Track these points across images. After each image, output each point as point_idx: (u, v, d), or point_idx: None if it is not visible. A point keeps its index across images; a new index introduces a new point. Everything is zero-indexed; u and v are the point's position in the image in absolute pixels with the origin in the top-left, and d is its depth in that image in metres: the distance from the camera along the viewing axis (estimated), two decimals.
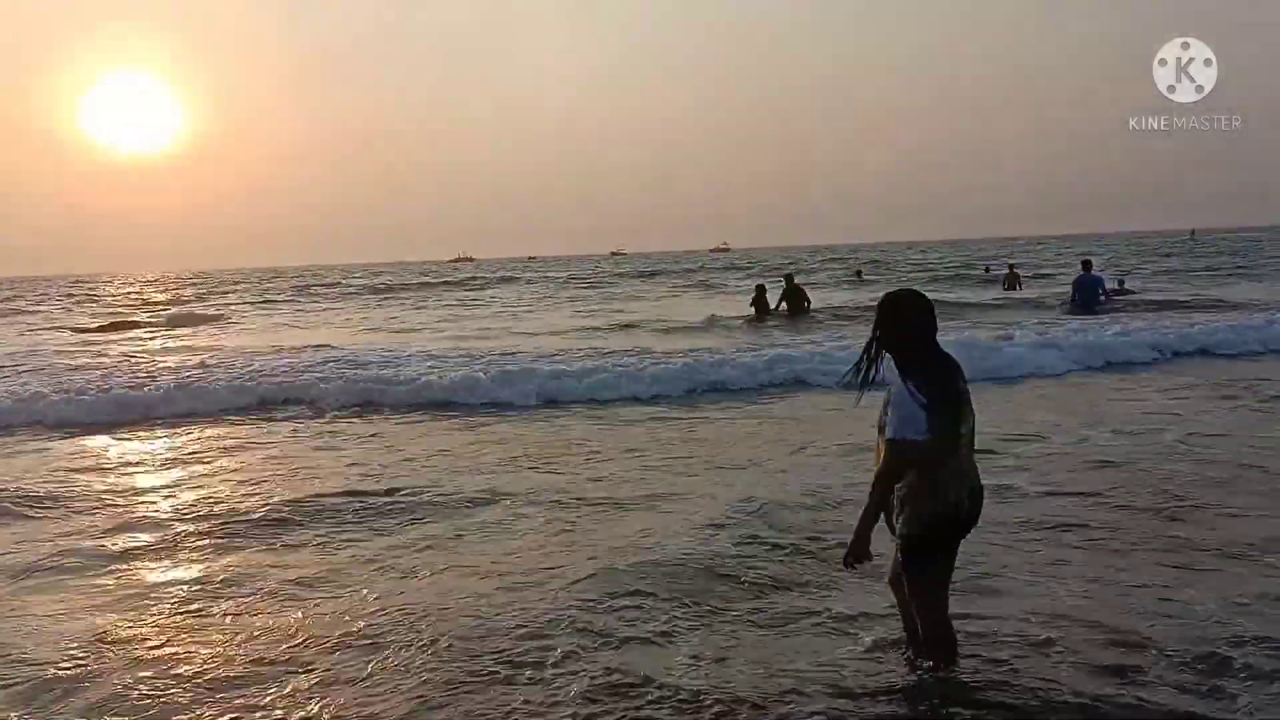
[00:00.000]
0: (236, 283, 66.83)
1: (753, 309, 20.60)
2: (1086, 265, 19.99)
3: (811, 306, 20.70)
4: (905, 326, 3.31)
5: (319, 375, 12.03)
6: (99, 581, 4.81)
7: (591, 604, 4.18)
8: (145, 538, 5.56)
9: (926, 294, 3.41)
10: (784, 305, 20.40)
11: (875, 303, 3.47)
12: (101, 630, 4.14)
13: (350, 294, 43.85)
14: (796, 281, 21.56)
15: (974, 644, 3.57)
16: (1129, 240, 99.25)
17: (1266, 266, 36.19)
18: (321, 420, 9.90)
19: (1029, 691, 3.27)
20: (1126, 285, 24.99)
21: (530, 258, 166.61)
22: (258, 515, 5.92)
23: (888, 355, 3.35)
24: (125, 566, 5.06)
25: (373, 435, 8.95)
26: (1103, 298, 19.07)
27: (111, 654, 3.89)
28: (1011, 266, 30.26)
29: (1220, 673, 3.38)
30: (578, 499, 6.05)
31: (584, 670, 3.54)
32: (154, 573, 4.98)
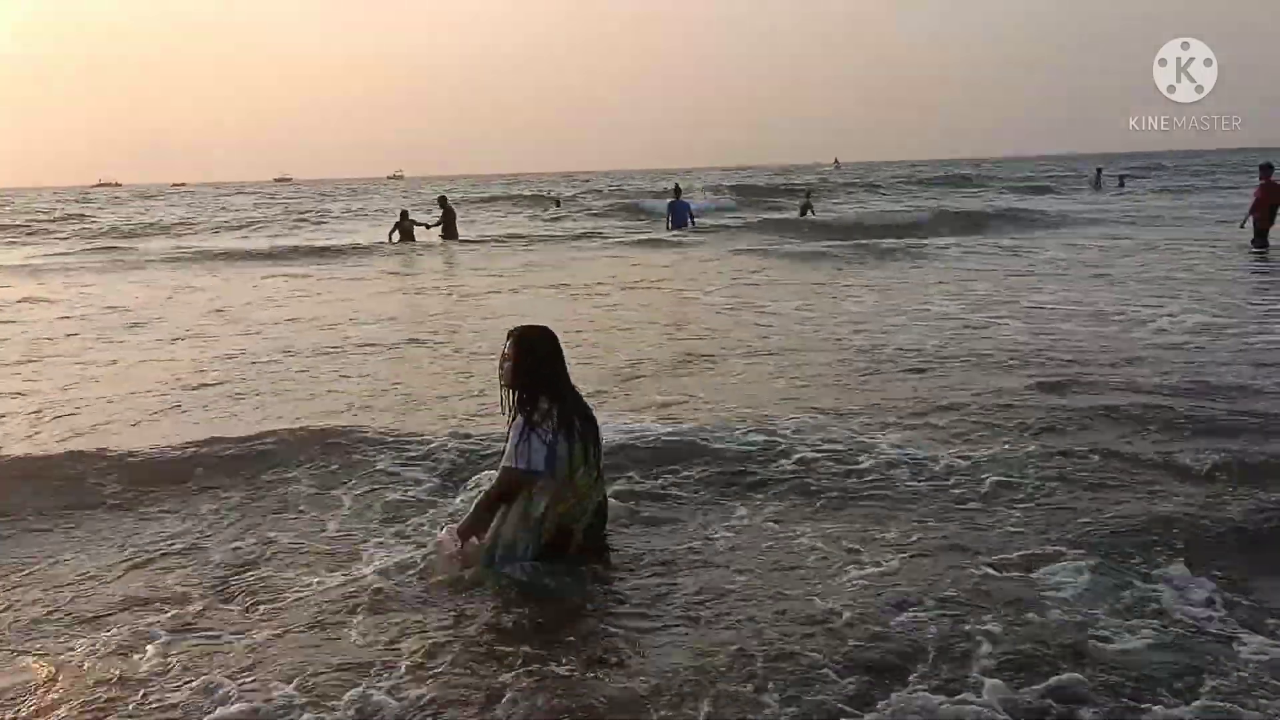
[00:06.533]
0: None
1: (395, 234, 21.71)
2: (677, 191, 23.69)
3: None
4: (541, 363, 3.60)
5: None
6: None
7: None
8: None
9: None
10: (439, 227, 21.65)
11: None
12: None
13: None
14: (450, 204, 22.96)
15: None
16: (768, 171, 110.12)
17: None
18: None
19: None
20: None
21: (175, 185, 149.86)
22: None
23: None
24: None
25: None
26: (690, 220, 22.78)
27: None
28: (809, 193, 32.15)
29: None
30: None
31: None
32: None
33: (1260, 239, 15.31)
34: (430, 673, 2.92)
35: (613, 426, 5.14)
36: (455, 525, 3.76)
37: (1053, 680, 2.75)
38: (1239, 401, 5.78)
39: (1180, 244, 16.99)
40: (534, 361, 3.58)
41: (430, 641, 3.11)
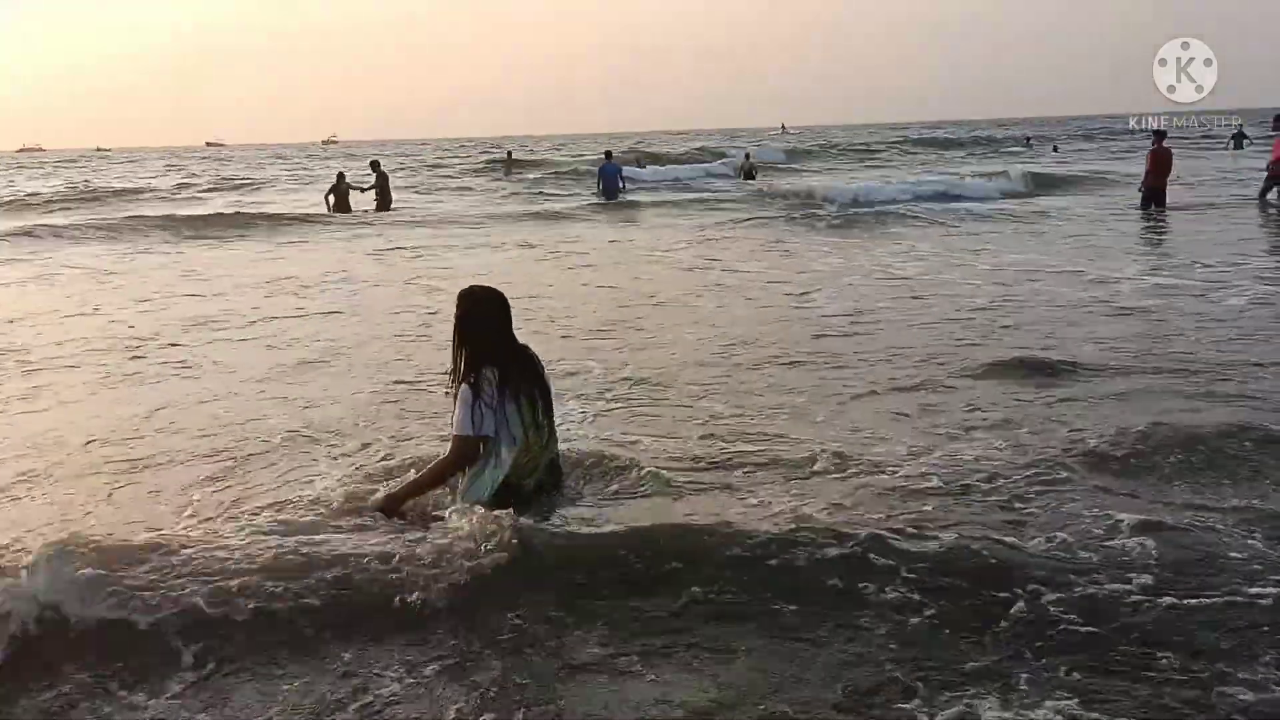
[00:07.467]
0: None
1: (331, 197, 21.12)
2: (608, 155, 23.80)
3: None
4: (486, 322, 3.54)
5: None
6: None
7: None
8: None
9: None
10: (375, 191, 21.12)
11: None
12: None
13: None
14: (383, 169, 22.28)
15: None
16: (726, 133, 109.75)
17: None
18: None
19: None
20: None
21: (98, 149, 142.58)
22: None
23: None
24: None
25: None
26: (621, 184, 22.77)
27: None
28: (749, 156, 31.80)
29: None
30: None
31: None
32: None
33: (1157, 200, 15.15)
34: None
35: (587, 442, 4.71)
36: (380, 499, 3.63)
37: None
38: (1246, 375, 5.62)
39: (1111, 206, 17.05)
40: (476, 322, 3.54)
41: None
